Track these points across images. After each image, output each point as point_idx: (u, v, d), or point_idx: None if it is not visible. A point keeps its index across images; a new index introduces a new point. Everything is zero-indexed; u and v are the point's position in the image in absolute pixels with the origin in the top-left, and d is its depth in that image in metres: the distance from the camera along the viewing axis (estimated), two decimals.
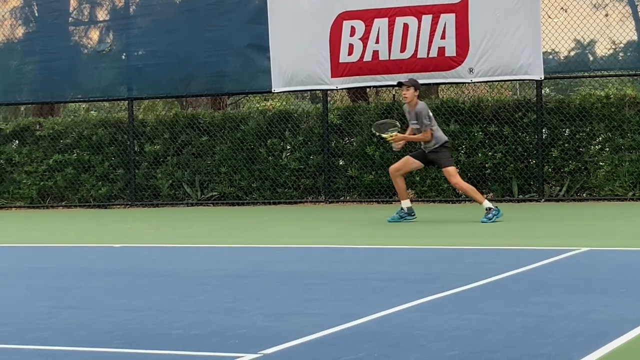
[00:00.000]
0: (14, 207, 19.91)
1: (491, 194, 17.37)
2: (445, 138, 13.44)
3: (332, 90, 18.49)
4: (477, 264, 9.14)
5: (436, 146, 13.19)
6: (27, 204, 19.81)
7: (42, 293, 7.93)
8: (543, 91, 17.90)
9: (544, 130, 17.15)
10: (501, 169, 17.28)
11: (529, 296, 6.97)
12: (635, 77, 19.38)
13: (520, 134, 17.28)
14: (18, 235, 14.09)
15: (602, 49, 17.99)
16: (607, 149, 16.89)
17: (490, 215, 12.95)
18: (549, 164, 17.12)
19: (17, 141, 20.34)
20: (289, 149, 18.63)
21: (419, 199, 17.59)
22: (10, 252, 11.76)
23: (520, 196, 17.18)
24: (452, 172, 13.39)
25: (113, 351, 5.52)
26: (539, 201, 16.91)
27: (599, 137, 17.00)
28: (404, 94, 13.16)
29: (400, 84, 13.44)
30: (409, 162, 13.49)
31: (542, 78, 16.81)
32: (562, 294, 7.04)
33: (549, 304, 6.59)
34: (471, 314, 6.32)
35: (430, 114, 13.28)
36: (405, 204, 13.49)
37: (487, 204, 13.21)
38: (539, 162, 16.97)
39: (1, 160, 20.11)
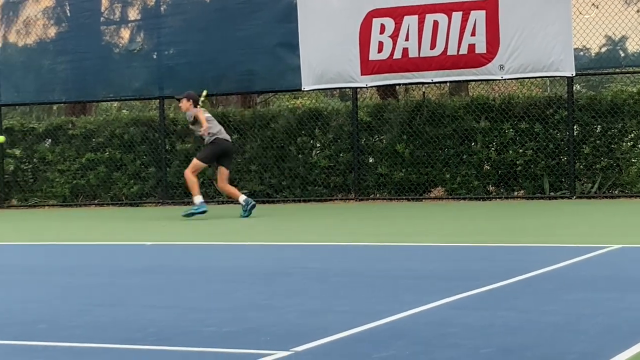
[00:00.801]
0: (47, 205, 20.05)
1: (522, 191, 17.33)
2: (217, 136, 15.14)
3: (361, 87, 18.49)
4: (508, 261, 9.12)
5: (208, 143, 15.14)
6: (60, 202, 19.94)
7: (75, 291, 7.98)
8: (574, 88, 17.83)
9: (575, 127, 17.08)
10: (532, 166, 17.22)
11: (562, 294, 6.95)
12: None
13: (551, 130, 17.22)
14: (51, 234, 14.19)
15: (634, 45, 17.89)
16: (639, 146, 16.80)
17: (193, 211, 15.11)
18: (581, 161, 17.05)
19: (50, 140, 20.49)
20: (318, 146, 18.65)
21: (449, 197, 17.57)
22: (44, 250, 11.85)
23: (552, 193, 17.11)
24: (194, 164, 15.24)
25: (146, 348, 5.55)
26: (571, 198, 16.84)
27: (630, 134, 16.92)
28: (180, 105, 15.43)
29: (177, 99, 15.67)
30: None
31: (574, 74, 16.73)
32: (595, 292, 7.01)
33: (582, 302, 6.57)
34: (504, 311, 6.31)
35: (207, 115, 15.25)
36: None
37: (198, 199, 15.11)
38: (571, 159, 16.90)
39: (34, 159, 20.25)
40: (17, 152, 20.36)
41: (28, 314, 6.81)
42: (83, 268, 9.68)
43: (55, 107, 29.10)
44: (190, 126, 15.56)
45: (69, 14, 20.55)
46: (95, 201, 19.86)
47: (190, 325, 6.13)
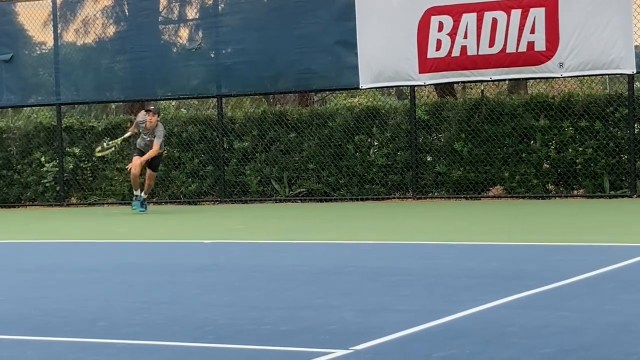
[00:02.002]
0: (106, 203, 20.22)
1: (582, 190, 17.18)
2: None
3: (419, 86, 18.42)
4: (568, 260, 9.04)
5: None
6: (119, 200, 20.11)
7: (134, 289, 8.05)
8: (635, 85, 17.62)
9: (636, 125, 16.89)
10: (592, 165, 17.05)
11: (622, 294, 6.88)
12: None
13: (611, 129, 17.04)
14: (110, 232, 14.31)
15: None
16: None
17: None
18: None
19: (109, 139, 20.65)
20: (376, 145, 18.62)
21: (508, 195, 17.46)
22: (103, 248, 11.95)
23: (612, 192, 16.93)
24: (151, 176, 17.37)
25: (205, 346, 5.57)
26: (631, 197, 16.66)
27: None
28: (150, 119, 16.76)
29: (148, 111, 16.89)
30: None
31: (635, 72, 16.54)
32: None
33: None
34: (563, 311, 6.25)
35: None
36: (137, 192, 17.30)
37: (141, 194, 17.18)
38: (631, 157, 16.71)
39: (94, 158, 20.44)
40: (77, 150, 20.56)
41: (87, 312, 6.88)
42: (142, 266, 9.75)
43: (113, 105, 29.34)
44: (143, 132, 17.08)
45: (127, 13, 20.73)
46: (154, 199, 19.99)
47: (247, 324, 6.15)
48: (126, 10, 20.76)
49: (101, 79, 20.59)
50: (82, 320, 6.50)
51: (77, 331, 6.11)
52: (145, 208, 17.34)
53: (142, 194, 17.35)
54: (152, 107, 17.16)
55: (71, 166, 20.50)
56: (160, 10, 20.78)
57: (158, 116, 17.07)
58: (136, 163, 16.99)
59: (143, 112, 17.25)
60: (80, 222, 16.46)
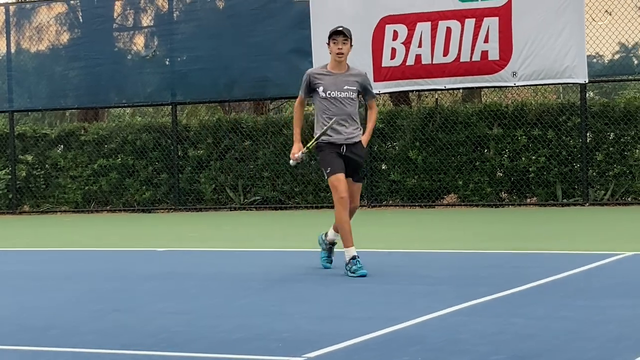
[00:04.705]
0: (60, 211, 20.08)
1: (535, 198, 17.30)
2: None
3: (377, 94, 18.45)
4: (520, 268, 9.10)
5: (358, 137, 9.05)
6: (72, 208, 19.98)
7: (87, 297, 7.99)
8: (587, 95, 17.80)
9: (588, 134, 17.05)
10: (545, 173, 17.19)
11: (574, 300, 6.93)
12: None
13: (564, 137, 17.19)
14: (63, 240, 14.21)
15: None
16: None
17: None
18: (594, 168, 17.01)
19: (62, 146, 20.53)
20: None
21: (462, 203, 17.54)
22: (56, 256, 11.86)
23: (565, 200, 17.07)
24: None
25: (158, 354, 5.54)
26: (584, 205, 16.80)
27: None
28: (340, 48, 8.86)
29: (337, 32, 8.89)
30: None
31: (587, 81, 16.70)
32: (607, 299, 6.99)
33: (594, 309, 6.55)
34: (515, 318, 6.29)
35: None
36: None
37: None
38: (584, 166, 16.87)
39: (47, 165, 20.30)
40: (29, 158, 20.40)
41: (40, 320, 6.82)
42: (95, 274, 9.68)
43: (67, 113, 29.17)
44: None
45: (81, 20, 20.62)
46: (108, 207, 19.89)
47: (201, 331, 6.13)
48: (80, 18, 20.64)
49: (55, 86, 20.46)
50: (34, 328, 6.44)
51: (29, 340, 6.06)
52: None
53: None
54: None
55: (24, 174, 20.33)
56: (115, 17, 20.68)
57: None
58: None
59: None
60: (32, 230, 16.32)
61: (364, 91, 8.95)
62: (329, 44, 8.89)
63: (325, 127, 8.86)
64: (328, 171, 8.84)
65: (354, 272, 8.48)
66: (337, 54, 8.81)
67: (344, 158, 8.86)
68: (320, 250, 9.36)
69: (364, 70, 10.21)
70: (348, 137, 8.89)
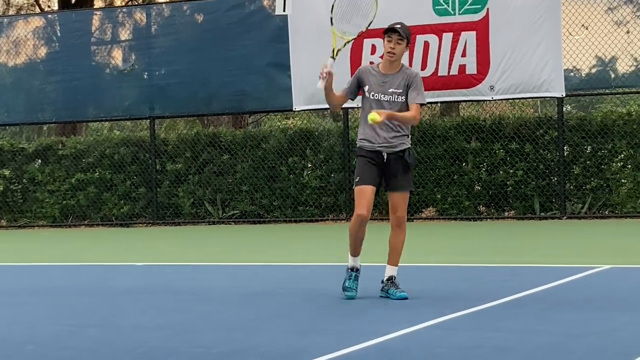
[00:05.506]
0: (37, 226, 19.99)
1: (513, 212, 17.35)
2: None
3: (352, 108, 18.49)
4: (499, 281, 9.11)
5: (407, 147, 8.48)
6: (50, 222, 19.89)
7: (65, 312, 7.95)
8: (564, 108, 17.87)
9: (565, 147, 17.12)
10: (523, 187, 17.24)
11: (551, 314, 6.95)
12: None
13: (541, 151, 17.25)
14: (41, 254, 14.14)
15: (624, 66, 17.96)
16: (629, 166, 16.83)
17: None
18: (571, 182, 17.07)
19: (39, 160, 20.45)
20: (310, 167, 18.65)
21: (440, 217, 17.57)
22: (33, 271, 11.80)
23: (542, 214, 17.13)
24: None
25: None
26: (561, 219, 16.86)
27: (620, 155, 16.95)
28: (392, 47, 8.44)
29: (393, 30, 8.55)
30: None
31: (564, 95, 16.78)
32: (585, 312, 7.01)
33: (572, 322, 6.57)
34: (493, 331, 6.30)
35: None
36: None
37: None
38: (561, 179, 16.93)
39: (24, 180, 20.22)
40: (7, 172, 20.31)
41: (16, 335, 6.78)
42: (72, 289, 9.64)
43: (45, 127, 29.08)
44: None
45: (59, 34, 20.56)
46: (86, 222, 19.81)
47: (179, 346, 6.11)
48: (58, 31, 20.59)
49: (33, 100, 20.38)
50: (11, 344, 6.40)
51: (5, 355, 6.02)
52: None
53: None
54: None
55: (1, 188, 20.23)
56: (93, 31, 20.63)
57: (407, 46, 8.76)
58: None
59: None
60: (9, 244, 16.24)
61: (406, 90, 8.21)
62: (384, 39, 8.34)
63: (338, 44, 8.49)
64: (356, 180, 8.36)
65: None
66: (389, 53, 8.28)
67: (384, 167, 8.31)
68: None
69: None
70: (384, 144, 8.28)
